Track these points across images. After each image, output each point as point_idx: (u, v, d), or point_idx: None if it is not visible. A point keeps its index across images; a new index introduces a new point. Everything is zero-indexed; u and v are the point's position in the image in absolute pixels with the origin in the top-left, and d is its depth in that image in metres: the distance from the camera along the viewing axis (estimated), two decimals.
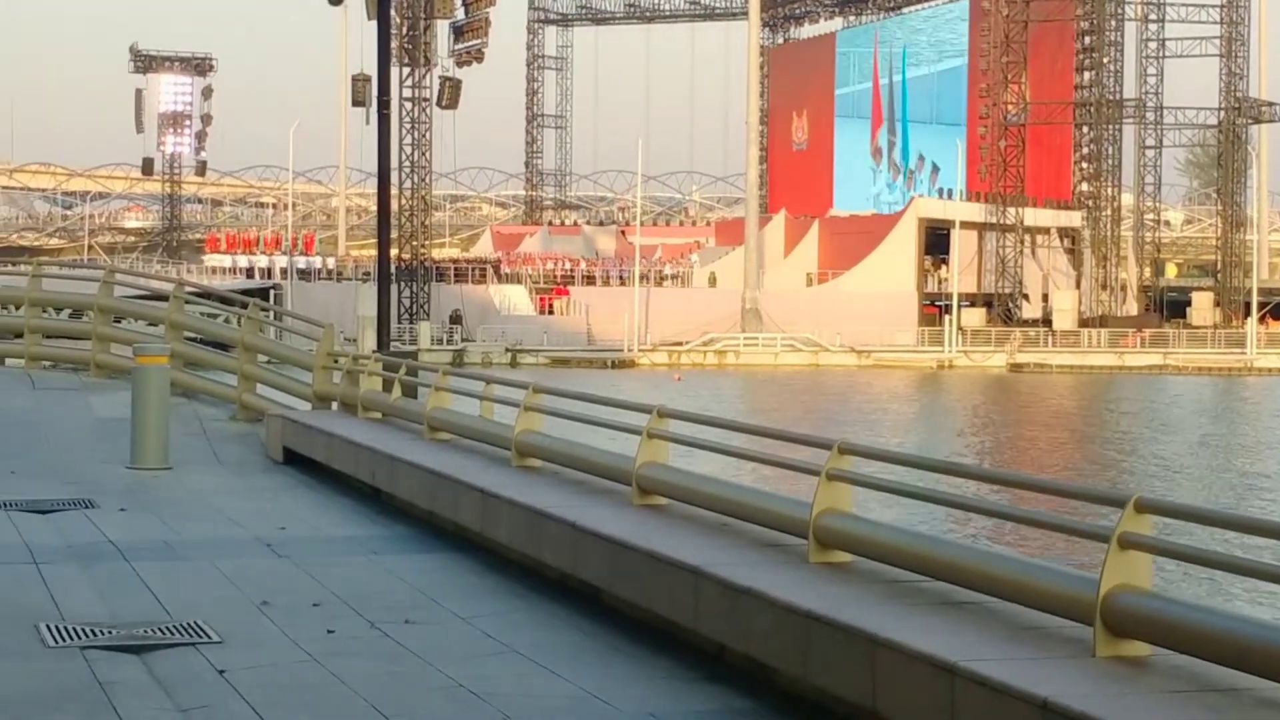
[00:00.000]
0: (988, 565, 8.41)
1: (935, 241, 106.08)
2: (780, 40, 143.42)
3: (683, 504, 11.79)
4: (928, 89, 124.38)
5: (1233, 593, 20.17)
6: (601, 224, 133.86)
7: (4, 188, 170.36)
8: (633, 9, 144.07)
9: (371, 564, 13.22)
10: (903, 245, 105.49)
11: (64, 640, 10.07)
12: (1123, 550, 7.36)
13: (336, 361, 21.66)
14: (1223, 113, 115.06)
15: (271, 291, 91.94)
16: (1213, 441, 52.81)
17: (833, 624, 8.17)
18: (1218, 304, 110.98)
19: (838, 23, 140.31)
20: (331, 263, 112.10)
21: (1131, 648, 7.35)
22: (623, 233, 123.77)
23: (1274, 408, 71.06)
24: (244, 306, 24.36)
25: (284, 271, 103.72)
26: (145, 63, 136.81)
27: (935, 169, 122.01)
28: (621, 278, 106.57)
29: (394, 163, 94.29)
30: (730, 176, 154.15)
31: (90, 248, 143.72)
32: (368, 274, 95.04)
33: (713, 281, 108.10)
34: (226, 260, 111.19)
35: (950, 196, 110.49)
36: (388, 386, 19.38)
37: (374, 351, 22.07)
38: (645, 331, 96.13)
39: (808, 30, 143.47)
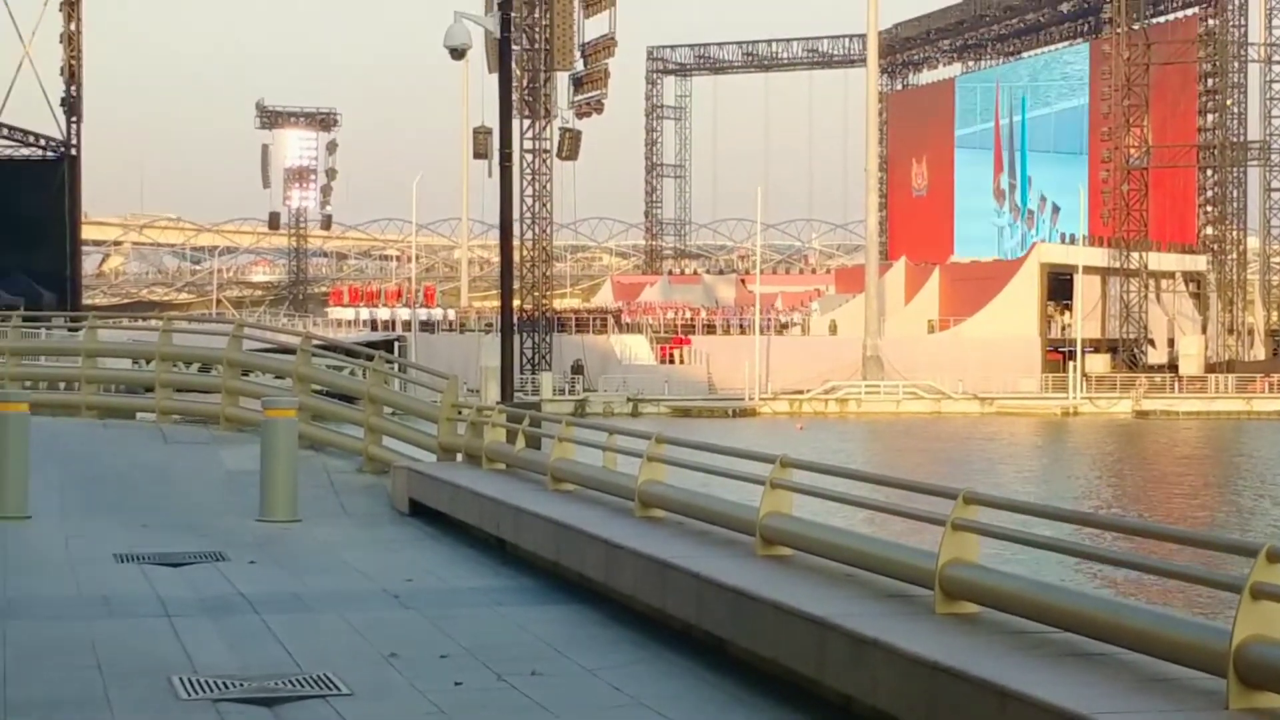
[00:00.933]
0: (1117, 615, 8.32)
1: (1058, 286, 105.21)
2: (899, 86, 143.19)
3: (807, 554, 11.76)
4: (1048, 131, 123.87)
5: None
6: (721, 273, 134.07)
7: (134, 244, 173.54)
8: (750, 57, 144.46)
9: (497, 615, 13.28)
10: (1025, 290, 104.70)
11: (196, 693, 10.20)
12: (1255, 600, 7.26)
13: (460, 413, 21.80)
14: None
15: (395, 344, 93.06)
16: None
17: (961, 676, 8.11)
18: None
19: (956, 68, 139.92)
20: (453, 314, 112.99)
21: (1266, 699, 7.24)
22: (742, 281, 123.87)
23: None
24: (369, 359, 24.60)
25: (406, 324, 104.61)
26: (271, 118, 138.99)
27: (1056, 209, 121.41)
28: (742, 326, 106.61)
29: (515, 214, 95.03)
30: (850, 224, 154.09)
31: (218, 302, 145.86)
32: (490, 325, 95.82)
33: (833, 329, 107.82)
34: (350, 313, 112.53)
35: (1072, 241, 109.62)
36: (511, 438, 19.48)
37: (497, 402, 22.21)
38: (766, 380, 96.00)
39: (926, 76, 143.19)
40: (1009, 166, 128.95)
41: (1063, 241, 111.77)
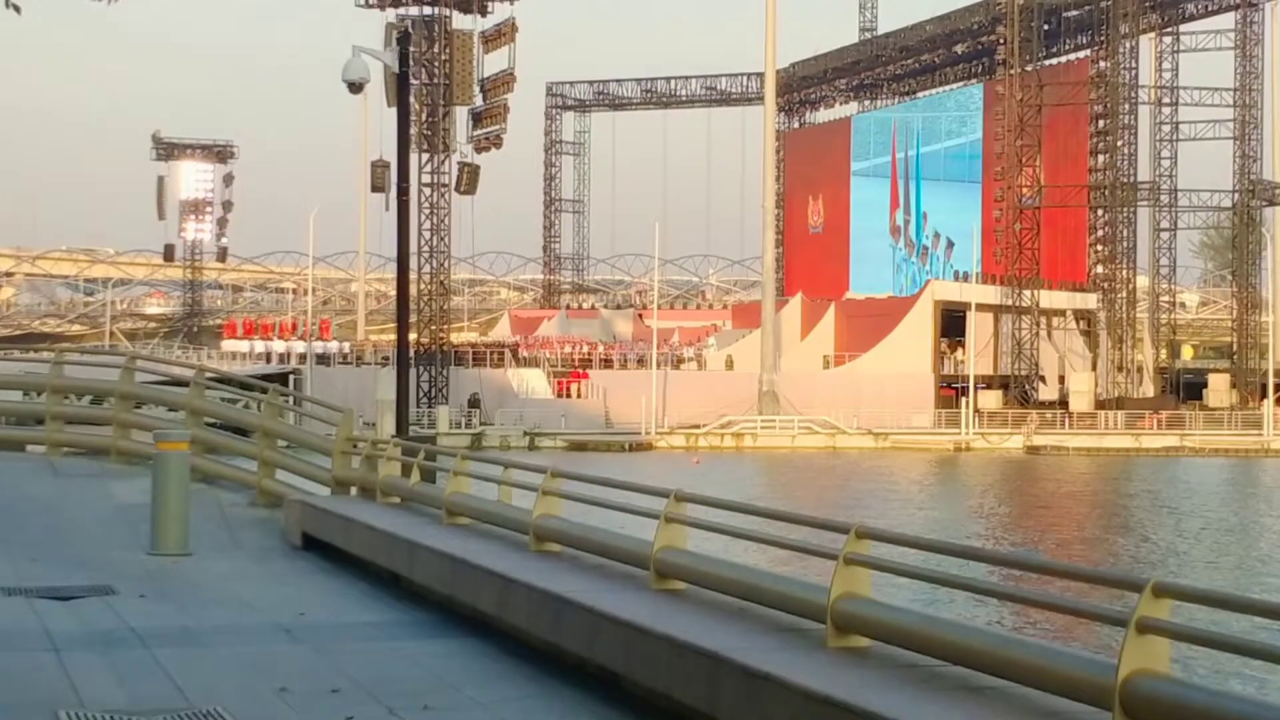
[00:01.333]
0: (1005, 649, 8.42)
1: (951, 323, 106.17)
2: (796, 124, 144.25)
3: (701, 588, 11.81)
4: (942, 169, 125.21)
5: (1253, 677, 20.10)
6: (619, 307, 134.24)
7: (27, 275, 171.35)
8: (649, 94, 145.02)
9: (390, 650, 13.22)
10: (919, 327, 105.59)
11: None
12: (1140, 635, 7.38)
13: (356, 446, 21.72)
14: (1237, 195, 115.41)
15: (291, 377, 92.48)
16: (1227, 524, 52.67)
17: (852, 710, 8.16)
18: (1234, 386, 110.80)
19: (853, 107, 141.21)
20: (348, 347, 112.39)
21: None
22: (640, 316, 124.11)
23: None
24: (263, 392, 24.45)
25: (303, 356, 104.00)
26: (167, 150, 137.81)
27: (950, 245, 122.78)
28: (639, 361, 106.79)
29: (413, 248, 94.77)
30: (747, 260, 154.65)
31: (112, 334, 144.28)
32: (387, 359, 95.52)
33: (730, 364, 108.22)
34: (245, 345, 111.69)
35: (966, 279, 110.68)
36: (406, 471, 19.43)
37: (392, 436, 22.14)
38: (663, 414, 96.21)
39: (823, 115, 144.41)
40: (904, 202, 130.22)
41: (956, 279, 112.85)
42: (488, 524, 16.38)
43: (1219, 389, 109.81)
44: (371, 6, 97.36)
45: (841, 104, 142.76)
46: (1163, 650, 7.40)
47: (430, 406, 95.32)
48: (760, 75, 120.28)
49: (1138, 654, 7.37)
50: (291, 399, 30.78)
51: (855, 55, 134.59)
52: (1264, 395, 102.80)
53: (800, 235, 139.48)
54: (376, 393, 68.52)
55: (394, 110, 24.50)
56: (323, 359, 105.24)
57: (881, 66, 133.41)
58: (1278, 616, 7.38)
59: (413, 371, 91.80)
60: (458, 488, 17.20)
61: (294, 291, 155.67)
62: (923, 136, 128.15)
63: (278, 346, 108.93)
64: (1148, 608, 7.37)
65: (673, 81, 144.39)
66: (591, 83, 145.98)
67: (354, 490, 21.12)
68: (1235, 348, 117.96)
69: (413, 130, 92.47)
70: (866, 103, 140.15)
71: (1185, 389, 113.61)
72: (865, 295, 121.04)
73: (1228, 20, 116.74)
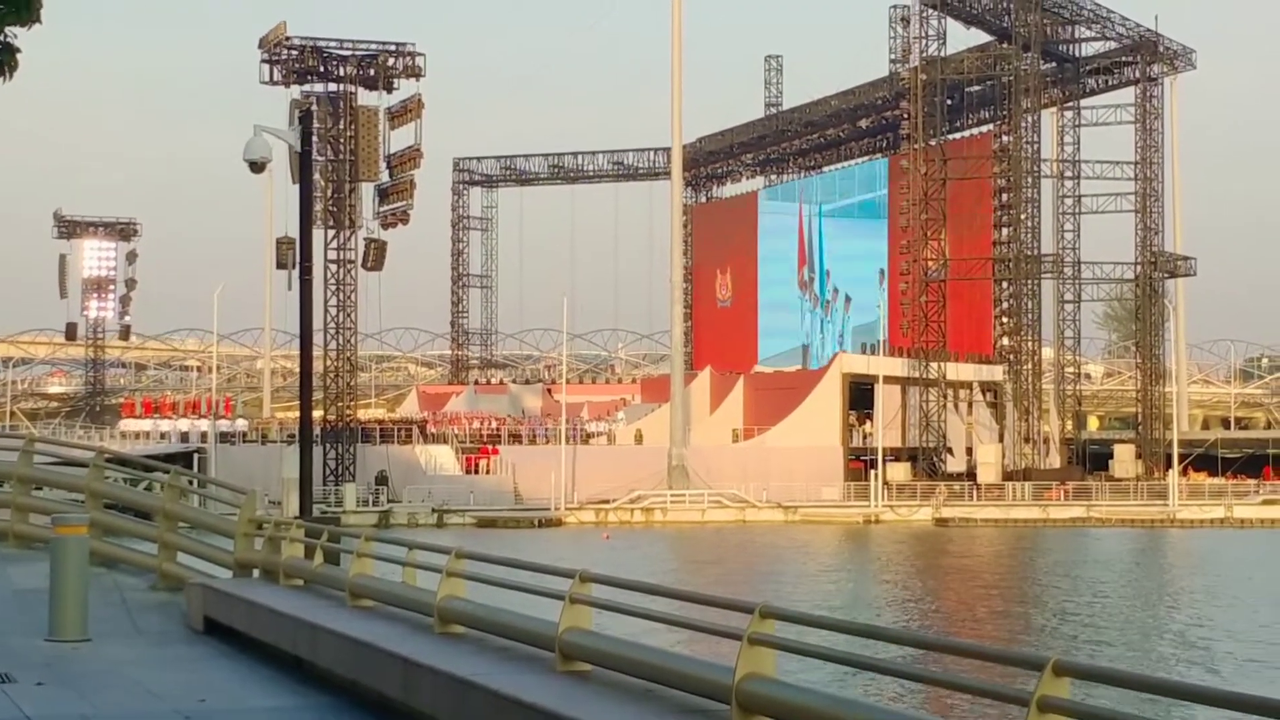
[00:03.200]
0: None
1: (859, 396, 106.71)
2: (703, 199, 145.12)
3: (606, 670, 11.71)
4: (846, 232, 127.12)
5: None
6: (528, 382, 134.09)
7: None
8: (557, 170, 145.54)
9: None
10: (828, 400, 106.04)
11: None
12: (1042, 714, 7.36)
13: (259, 527, 21.47)
14: (1139, 267, 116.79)
15: (195, 456, 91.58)
16: (1131, 595, 53.04)
17: None
18: (1139, 456, 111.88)
19: (759, 181, 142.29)
20: (243, 424, 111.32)
21: None
22: (549, 391, 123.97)
23: (1197, 560, 71.44)
24: (165, 472, 24.15)
25: (204, 435, 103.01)
26: (69, 228, 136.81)
27: (848, 299, 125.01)
28: (548, 436, 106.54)
29: (319, 324, 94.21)
30: (655, 334, 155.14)
31: (12, 414, 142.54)
32: (293, 436, 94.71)
33: (639, 438, 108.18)
34: (147, 424, 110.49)
35: (874, 351, 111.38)
36: (310, 553, 19.22)
37: (296, 517, 21.91)
38: (572, 489, 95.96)
39: (730, 189, 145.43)
40: (809, 259, 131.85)
41: (863, 351, 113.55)
42: (392, 606, 16.20)
43: (1124, 459, 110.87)
44: (276, 84, 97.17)
45: (748, 178, 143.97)
46: None
47: (337, 484, 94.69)
48: (667, 150, 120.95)
49: None
50: (194, 480, 30.41)
51: (761, 130, 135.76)
52: (1168, 465, 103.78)
53: (709, 309, 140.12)
54: (282, 471, 68.01)
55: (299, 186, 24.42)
56: (228, 437, 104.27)
57: (787, 141, 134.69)
58: (1177, 695, 7.39)
59: (318, 449, 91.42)
60: (361, 569, 17.02)
61: (198, 369, 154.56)
62: (827, 206, 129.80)
63: (182, 425, 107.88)
64: (1048, 687, 7.35)
65: (580, 157, 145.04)
66: (499, 158, 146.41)
67: (257, 573, 20.86)
68: (1140, 418, 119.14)
69: (319, 206, 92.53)
70: (773, 177, 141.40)
71: (1091, 459, 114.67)
72: (774, 369, 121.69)
73: (1128, 95, 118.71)
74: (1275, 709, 6.48)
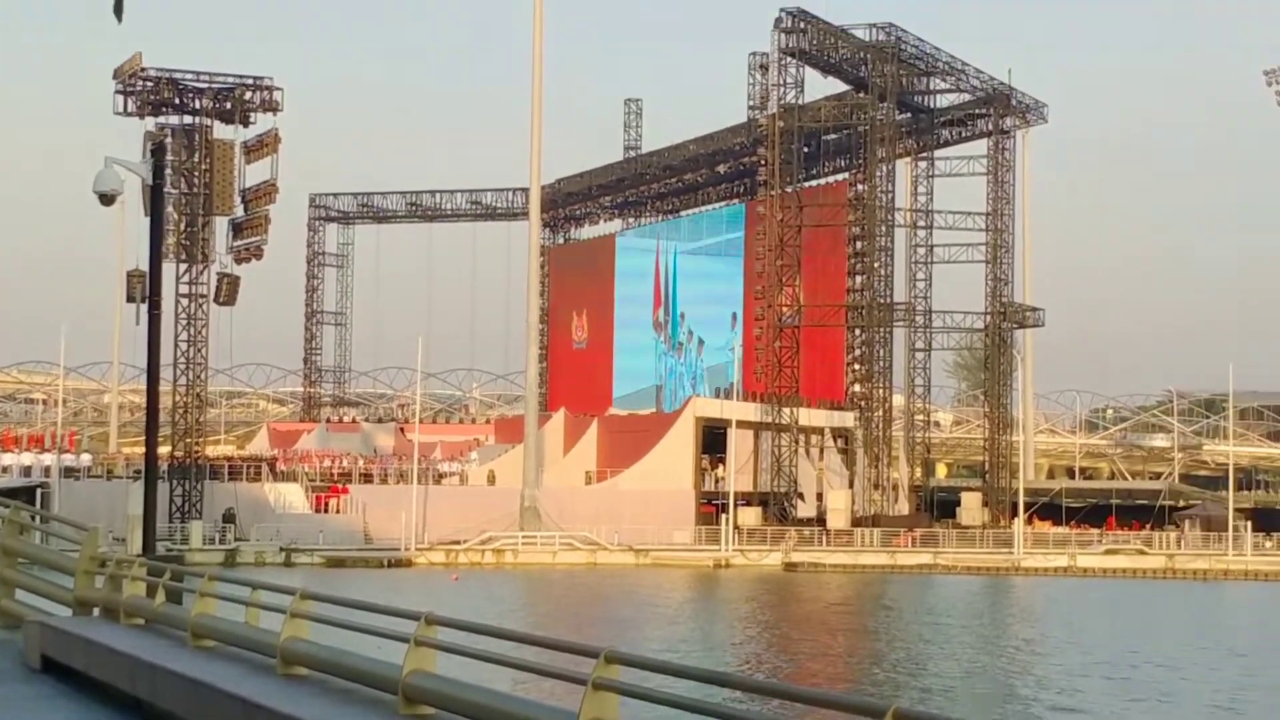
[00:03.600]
0: None
1: (712, 440, 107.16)
2: (560, 240, 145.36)
3: (450, 714, 11.63)
4: (702, 274, 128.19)
5: None
6: (380, 421, 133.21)
7: None
8: (414, 208, 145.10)
9: None
10: (680, 444, 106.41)
11: None
12: None
13: (101, 565, 21.10)
14: (989, 317, 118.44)
15: (38, 491, 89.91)
16: (972, 642, 53.65)
17: None
18: (986, 504, 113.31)
19: (617, 224, 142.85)
20: (88, 459, 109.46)
21: None
22: (402, 430, 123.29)
23: (1037, 608, 72.41)
24: (6, 507, 23.69)
25: (47, 470, 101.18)
26: None
27: (701, 341, 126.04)
28: (400, 475, 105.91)
29: (168, 358, 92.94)
30: (510, 374, 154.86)
31: None
32: (139, 472, 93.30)
33: (492, 479, 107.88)
34: None
35: (727, 396, 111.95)
36: (152, 591, 18.93)
37: (138, 555, 21.58)
38: (423, 530, 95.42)
39: (587, 231, 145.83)
40: (665, 302, 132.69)
41: (716, 395, 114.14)
42: (235, 646, 16.00)
43: (971, 507, 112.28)
44: (130, 115, 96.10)
45: (606, 220, 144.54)
46: None
47: (184, 522, 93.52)
48: (525, 190, 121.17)
49: None
50: (35, 515, 29.83)
51: (620, 173, 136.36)
52: (1014, 514, 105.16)
53: (564, 350, 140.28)
54: (127, 508, 67.00)
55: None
56: (73, 472, 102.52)
57: (645, 184, 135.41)
58: None
59: (165, 486, 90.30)
60: (204, 609, 16.79)
61: (44, 402, 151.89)
62: (683, 249, 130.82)
63: (24, 459, 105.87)
64: None
65: (438, 195, 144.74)
66: (355, 195, 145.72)
67: (97, 611, 20.50)
68: (987, 466, 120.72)
69: (171, 240, 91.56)
70: (631, 220, 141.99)
71: (939, 507, 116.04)
72: (628, 411, 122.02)
73: (981, 146, 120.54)
74: None
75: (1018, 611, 71.11)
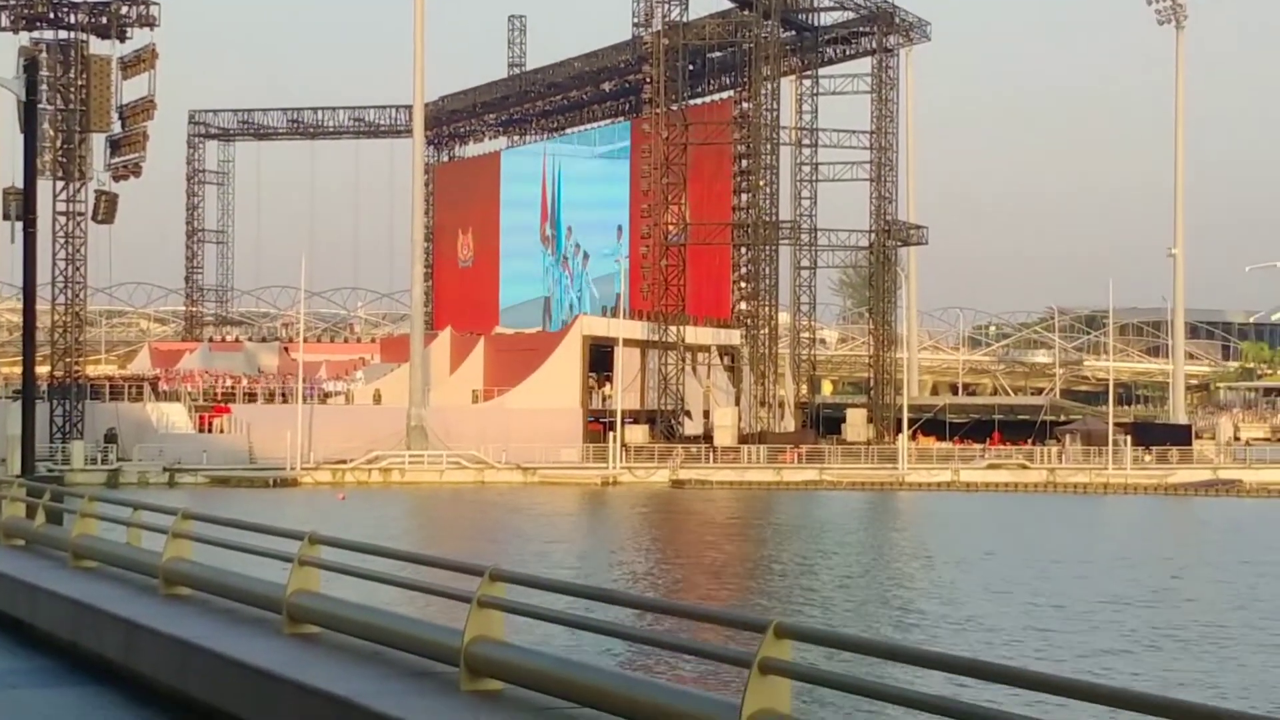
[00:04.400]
0: (631, 691, 8.45)
1: (599, 358, 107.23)
2: (445, 158, 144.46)
3: (335, 633, 11.61)
4: (588, 190, 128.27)
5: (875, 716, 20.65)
6: (264, 340, 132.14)
7: None
8: (296, 124, 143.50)
9: (9, 699, 12.69)
10: (567, 362, 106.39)
11: None
12: (763, 675, 7.46)
13: None
14: (873, 235, 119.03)
15: None
16: (855, 557, 54.28)
17: None
18: (871, 420, 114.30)
19: (502, 142, 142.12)
20: None
21: None
22: (286, 349, 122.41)
23: (919, 521, 73.31)
24: None
25: None
26: None
27: (586, 255, 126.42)
28: (285, 395, 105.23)
29: (46, 277, 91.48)
30: (395, 293, 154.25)
31: None
32: (17, 392, 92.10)
33: (378, 399, 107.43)
34: None
35: (614, 314, 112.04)
36: (32, 512, 18.74)
37: (17, 476, 21.35)
38: (309, 449, 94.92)
39: (472, 149, 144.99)
40: (551, 216, 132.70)
41: (603, 314, 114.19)
42: (116, 567, 15.88)
43: (856, 424, 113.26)
44: (4, 29, 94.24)
45: (491, 138, 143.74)
46: (783, 690, 7.50)
47: (64, 442, 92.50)
48: (408, 108, 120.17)
49: (760, 695, 7.45)
50: None
51: (504, 90, 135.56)
52: (899, 430, 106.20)
53: (450, 269, 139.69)
54: (5, 428, 66.15)
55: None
56: None
57: (530, 102, 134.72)
58: (893, 657, 7.55)
59: (44, 406, 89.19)
60: (84, 529, 16.65)
61: None
62: (569, 166, 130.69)
63: None
64: (770, 649, 7.46)
65: (320, 112, 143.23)
66: (236, 111, 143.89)
67: None
68: (872, 383, 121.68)
69: (47, 157, 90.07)
70: (516, 138, 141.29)
71: (825, 423, 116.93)
72: (514, 329, 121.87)
73: (865, 65, 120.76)
74: (984, 670, 6.66)
75: (900, 525, 71.96)
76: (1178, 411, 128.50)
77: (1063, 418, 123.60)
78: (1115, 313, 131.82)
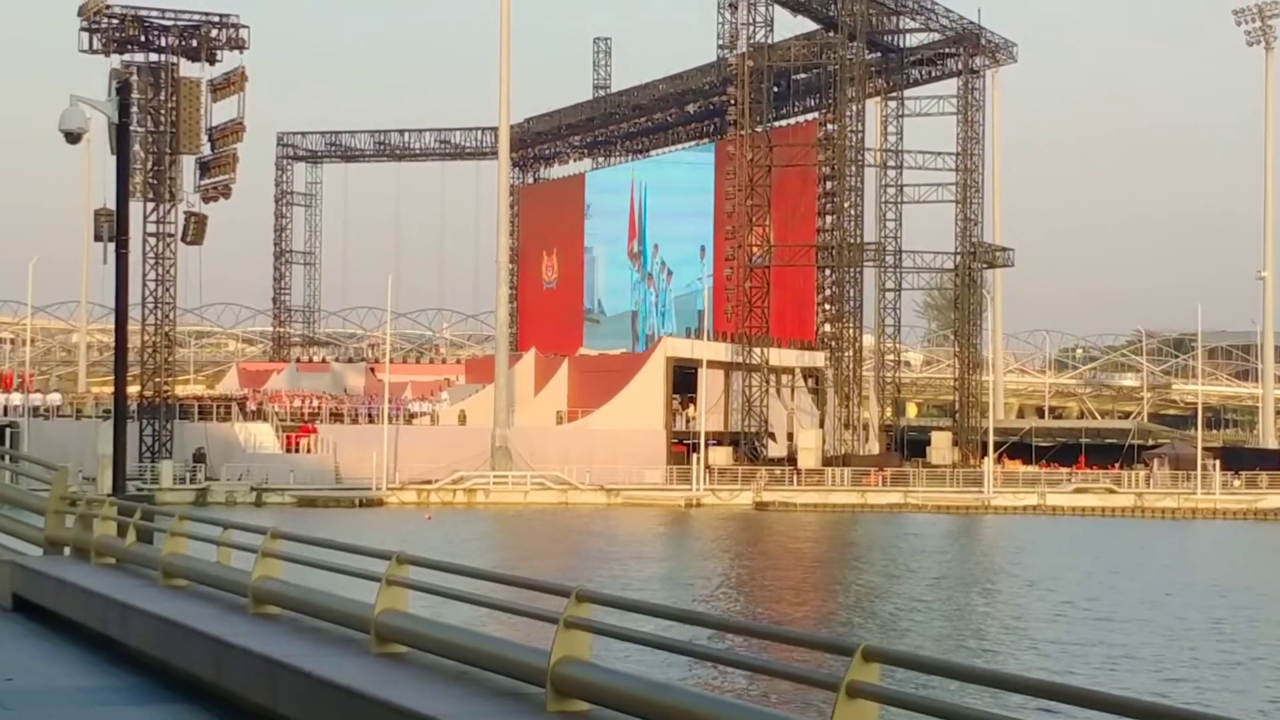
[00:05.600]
0: (716, 713, 8.42)
1: (683, 380, 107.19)
2: (530, 180, 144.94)
3: (422, 652, 11.65)
4: (672, 213, 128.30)
5: None
6: (350, 361, 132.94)
7: None
8: (382, 146, 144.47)
9: (101, 716, 12.82)
10: (651, 384, 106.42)
11: None
12: (851, 699, 7.44)
13: (72, 504, 21.08)
14: (958, 257, 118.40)
15: (7, 431, 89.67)
16: (943, 581, 53.91)
17: None
18: (956, 443, 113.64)
19: (586, 164, 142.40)
20: (57, 398, 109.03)
21: None
22: (372, 370, 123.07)
23: (1009, 545, 72.73)
24: None
25: (18, 409, 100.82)
26: None
27: (670, 273, 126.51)
28: (370, 415, 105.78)
29: (136, 298, 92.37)
30: (480, 314, 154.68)
31: None
32: (108, 412, 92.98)
33: (462, 419, 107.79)
34: None
35: (698, 336, 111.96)
36: (123, 531, 18.92)
37: (108, 494, 21.56)
38: (394, 469, 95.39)
39: (557, 171, 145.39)
40: (639, 234, 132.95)
41: (686, 335, 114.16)
42: (206, 586, 16.00)
43: (941, 446, 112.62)
44: (96, 52, 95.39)
45: (575, 160, 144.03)
46: (871, 714, 7.48)
47: (154, 461, 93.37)
48: (494, 129, 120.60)
49: (848, 717, 7.43)
50: (5, 455, 29.82)
51: (589, 112, 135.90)
52: (984, 453, 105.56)
53: (534, 290, 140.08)
54: (97, 447, 66.80)
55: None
56: (42, 412, 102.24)
57: (615, 124, 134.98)
58: (983, 682, 7.52)
59: (134, 425, 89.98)
60: (174, 548, 16.80)
61: (12, 342, 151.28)
62: (654, 188, 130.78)
63: None
64: (858, 672, 7.44)
65: (406, 134, 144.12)
66: (323, 133, 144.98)
67: (68, 550, 20.50)
68: (957, 406, 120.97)
69: (138, 179, 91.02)
70: (600, 159, 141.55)
71: (909, 446, 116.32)
72: (599, 350, 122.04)
73: (950, 86, 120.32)
74: (1069, 694, 6.62)
75: (987, 549, 71.43)
76: (1267, 436, 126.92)
77: (1150, 442, 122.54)
78: (1204, 335, 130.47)
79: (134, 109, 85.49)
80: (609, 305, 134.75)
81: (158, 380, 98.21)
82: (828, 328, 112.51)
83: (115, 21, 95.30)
